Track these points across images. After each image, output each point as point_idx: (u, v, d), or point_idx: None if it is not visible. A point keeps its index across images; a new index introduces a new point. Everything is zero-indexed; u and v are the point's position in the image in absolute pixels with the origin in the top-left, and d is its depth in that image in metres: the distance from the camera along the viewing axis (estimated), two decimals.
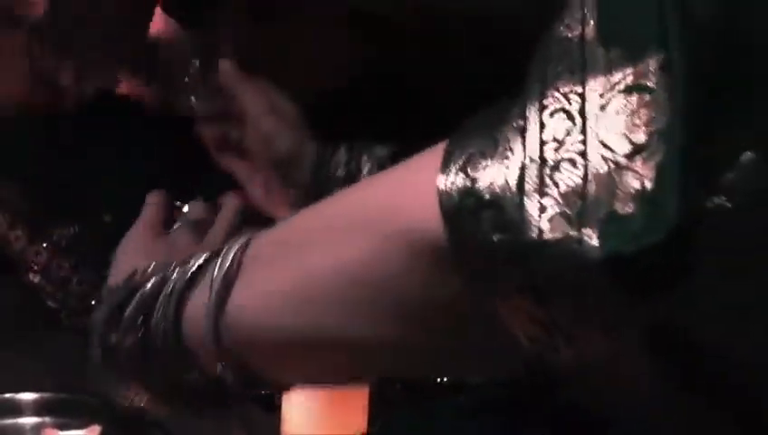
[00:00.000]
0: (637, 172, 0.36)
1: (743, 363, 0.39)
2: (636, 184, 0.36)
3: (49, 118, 1.03)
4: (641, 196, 0.36)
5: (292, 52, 0.86)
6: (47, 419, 0.84)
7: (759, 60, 0.38)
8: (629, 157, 0.37)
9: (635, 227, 0.36)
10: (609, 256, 0.36)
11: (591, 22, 0.39)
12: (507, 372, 0.50)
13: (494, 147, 0.40)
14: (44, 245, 1.03)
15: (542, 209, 0.38)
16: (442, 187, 0.40)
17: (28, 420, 0.85)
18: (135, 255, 0.67)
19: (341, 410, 0.82)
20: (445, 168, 0.41)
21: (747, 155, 0.37)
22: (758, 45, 0.38)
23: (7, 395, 0.86)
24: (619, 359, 0.40)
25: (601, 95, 0.38)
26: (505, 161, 0.39)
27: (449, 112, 0.78)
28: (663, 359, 0.40)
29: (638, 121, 0.37)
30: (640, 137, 0.37)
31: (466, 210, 0.39)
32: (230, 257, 0.51)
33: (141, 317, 0.54)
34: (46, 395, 0.86)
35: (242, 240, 0.52)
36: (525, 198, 0.38)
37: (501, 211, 0.38)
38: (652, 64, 0.37)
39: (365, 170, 0.77)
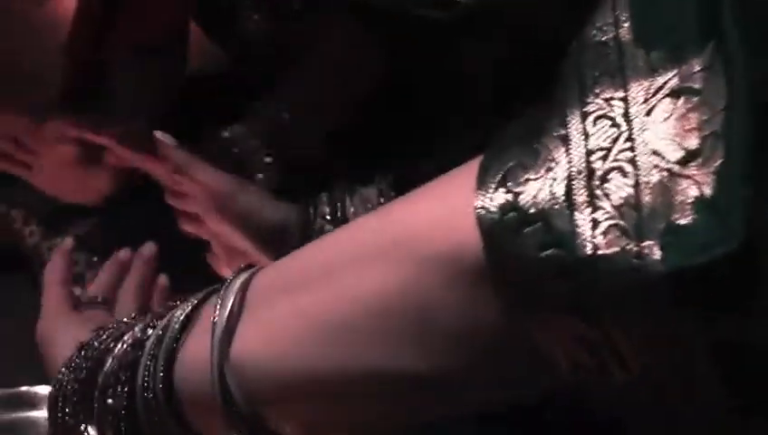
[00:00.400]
0: (693, 179, 0.34)
1: None
2: (694, 192, 0.33)
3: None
4: (701, 204, 0.33)
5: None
6: None
7: None
8: (683, 163, 0.34)
9: (699, 239, 0.33)
10: (673, 270, 0.33)
11: (626, 24, 0.37)
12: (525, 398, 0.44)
13: (535, 159, 0.37)
14: (59, 240, 1.03)
15: (595, 223, 0.35)
16: (479, 204, 0.37)
17: (44, 414, 0.86)
18: (63, 336, 0.60)
19: None
20: (481, 184, 0.37)
21: None
22: None
23: (23, 388, 0.86)
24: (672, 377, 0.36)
25: (645, 100, 0.36)
26: (550, 173, 0.36)
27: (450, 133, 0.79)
28: (723, 375, 0.36)
29: (688, 126, 0.34)
30: (692, 142, 0.34)
31: (509, 227, 0.36)
32: (231, 298, 0.44)
33: (120, 387, 0.46)
34: None
35: (241, 278, 0.45)
36: (576, 212, 0.35)
37: (548, 226, 0.35)
38: (697, 65, 0.35)
39: (351, 214, 0.75)
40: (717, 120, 0.34)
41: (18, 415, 0.85)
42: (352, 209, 0.76)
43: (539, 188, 0.36)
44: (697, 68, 0.35)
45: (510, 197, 0.36)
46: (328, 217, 0.76)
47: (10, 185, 1.06)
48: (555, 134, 0.37)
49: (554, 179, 0.36)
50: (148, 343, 0.47)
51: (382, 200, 0.75)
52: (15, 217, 1.06)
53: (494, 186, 0.37)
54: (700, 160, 0.34)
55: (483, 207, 0.37)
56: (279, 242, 0.76)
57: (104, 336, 0.50)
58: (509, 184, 0.37)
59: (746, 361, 0.35)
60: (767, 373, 0.35)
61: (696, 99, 0.35)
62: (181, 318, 0.46)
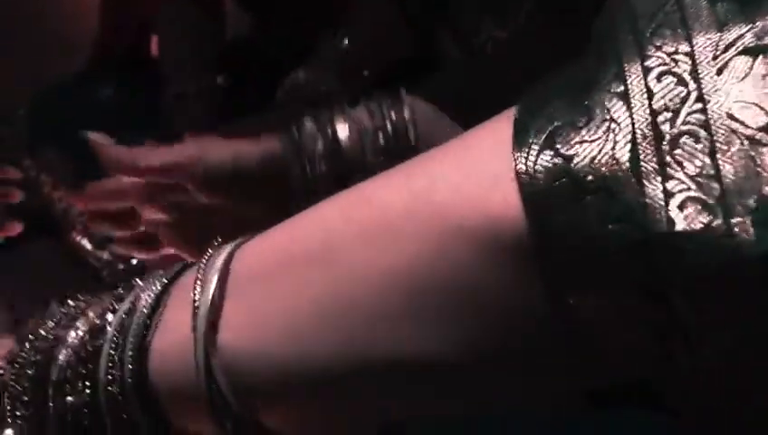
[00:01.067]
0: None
1: None
2: None
3: (91, 83, 1.05)
4: None
5: None
6: None
7: None
8: (767, 130, 0.29)
9: None
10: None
11: None
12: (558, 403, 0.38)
13: (587, 117, 0.31)
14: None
15: (668, 194, 0.30)
16: (522, 168, 0.31)
17: None
18: None
19: None
20: (521, 144, 0.32)
21: None
22: None
23: None
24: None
25: (715, 57, 0.30)
26: (610, 135, 0.31)
27: None
28: None
29: (766, 88, 0.29)
30: None
31: (561, 196, 0.30)
32: (214, 276, 0.38)
33: (79, 382, 0.39)
34: None
35: (224, 252, 0.39)
36: (645, 181, 0.30)
37: (612, 196, 0.30)
38: None
39: (343, 135, 0.68)
40: None
41: None
42: (346, 133, 0.69)
43: (598, 152, 0.31)
44: (759, 29, 0.30)
45: (559, 160, 0.31)
46: (319, 140, 0.69)
47: (40, 150, 1.08)
48: (612, 90, 0.31)
49: (615, 142, 0.31)
50: (110, 330, 0.39)
51: (372, 121, 0.70)
52: (45, 182, 1.08)
53: (537, 147, 0.31)
54: None
55: (526, 173, 0.31)
56: (272, 182, 0.68)
57: (50, 324, 0.41)
58: (558, 146, 0.31)
59: None
60: None
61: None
62: (149, 301, 0.39)
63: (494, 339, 0.33)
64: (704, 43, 0.31)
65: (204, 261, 0.39)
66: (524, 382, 0.35)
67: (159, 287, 0.39)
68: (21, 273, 1.06)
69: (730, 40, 0.31)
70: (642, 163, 0.30)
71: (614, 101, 0.31)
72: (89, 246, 1.04)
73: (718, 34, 0.31)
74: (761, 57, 0.30)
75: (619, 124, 0.31)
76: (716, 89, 0.30)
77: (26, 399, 0.40)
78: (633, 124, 0.31)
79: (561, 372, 0.34)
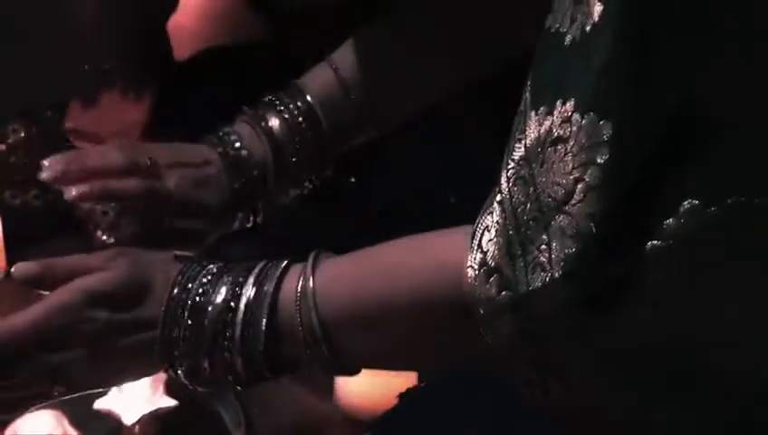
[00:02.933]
0: (573, 217, 0.43)
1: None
2: (573, 226, 0.43)
3: None
4: (579, 236, 0.43)
5: None
6: None
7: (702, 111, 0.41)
8: (565, 204, 0.43)
9: (584, 261, 0.43)
10: (573, 293, 0.43)
11: (527, 93, 0.47)
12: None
13: (490, 221, 0.48)
14: (112, 204, 1.06)
15: (527, 265, 0.45)
16: (468, 263, 0.50)
17: None
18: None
19: None
20: (469, 247, 0.50)
21: (690, 202, 0.40)
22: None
23: None
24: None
25: (538, 153, 0.44)
26: (495, 233, 0.47)
27: None
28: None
29: (565, 170, 0.43)
30: (568, 183, 0.42)
31: (481, 282, 0.48)
32: (310, 269, 0.57)
33: (227, 332, 0.58)
34: None
35: (313, 258, 0.59)
36: (515, 260, 0.46)
37: (501, 274, 0.47)
38: (560, 117, 0.43)
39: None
40: (585, 169, 0.42)
41: None
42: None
43: (495, 245, 0.47)
44: (561, 120, 0.43)
45: (481, 255, 0.48)
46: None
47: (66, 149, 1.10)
48: (496, 199, 0.48)
49: (499, 238, 0.47)
50: (242, 306, 0.58)
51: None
52: None
53: (474, 247, 0.49)
54: (574, 198, 0.42)
55: (470, 266, 0.49)
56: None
57: (193, 287, 0.59)
58: (482, 244, 0.49)
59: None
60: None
61: (567, 146, 0.42)
62: (270, 290, 0.58)
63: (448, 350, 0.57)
64: (533, 145, 0.45)
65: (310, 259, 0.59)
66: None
67: (280, 269, 0.59)
68: None
69: (543, 134, 0.44)
70: (512, 249, 0.46)
71: (495, 207, 0.48)
72: (114, 244, 1.05)
73: (538, 131, 0.45)
74: (559, 145, 0.43)
75: (499, 223, 0.48)
76: (542, 178, 0.44)
77: (185, 342, 0.58)
78: (505, 222, 0.47)
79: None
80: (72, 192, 0.75)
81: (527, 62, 0.48)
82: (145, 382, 0.82)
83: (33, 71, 1.03)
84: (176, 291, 0.59)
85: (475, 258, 0.49)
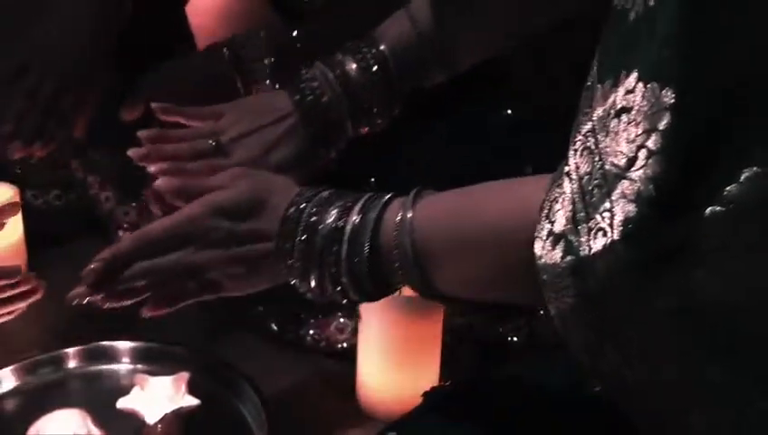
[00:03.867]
0: (635, 181, 0.44)
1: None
2: (635, 190, 0.44)
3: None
4: (640, 199, 0.44)
5: None
6: (140, 365, 0.89)
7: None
8: (627, 169, 0.45)
9: (642, 225, 0.44)
10: (632, 256, 0.45)
11: (595, 67, 0.49)
12: None
13: (559, 193, 0.50)
14: (133, 204, 1.07)
15: (590, 230, 0.47)
16: (536, 237, 0.52)
17: (123, 366, 0.90)
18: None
19: (414, 361, 0.85)
20: (538, 220, 0.53)
21: (751, 170, 0.42)
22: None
23: (106, 343, 0.91)
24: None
25: (604, 123, 0.47)
26: (562, 203, 0.50)
27: None
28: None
29: (629, 138, 0.45)
30: (632, 151, 0.45)
31: (548, 250, 0.50)
32: (410, 212, 0.63)
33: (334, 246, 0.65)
34: (139, 344, 0.91)
35: (410, 199, 0.64)
36: (579, 226, 0.48)
37: (567, 241, 0.49)
38: (625, 89, 0.45)
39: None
40: (647, 136, 0.44)
41: (98, 368, 0.90)
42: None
43: (562, 214, 0.49)
44: (625, 91, 0.45)
45: (549, 225, 0.51)
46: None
47: (85, 151, 1.10)
48: (564, 172, 0.50)
49: (565, 206, 0.49)
50: (348, 228, 0.65)
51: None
52: (92, 183, 1.10)
53: (543, 219, 0.52)
54: (637, 165, 0.44)
55: (537, 238, 0.52)
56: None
57: (307, 208, 0.67)
58: (550, 216, 0.51)
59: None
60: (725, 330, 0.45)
61: (631, 114, 0.45)
62: (374, 216, 0.64)
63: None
64: (599, 116, 0.47)
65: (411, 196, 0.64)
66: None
67: (383, 201, 0.65)
68: (68, 272, 1.07)
69: (609, 106, 0.46)
70: (577, 215, 0.48)
71: (564, 178, 0.50)
72: None
73: (604, 106, 0.47)
74: (623, 115, 0.46)
75: (565, 193, 0.50)
76: (607, 147, 0.46)
77: (299, 252, 0.67)
78: (571, 191, 0.49)
79: None
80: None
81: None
82: (167, 381, 0.82)
83: None
84: (292, 210, 0.67)
85: (542, 229, 0.51)
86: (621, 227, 0.45)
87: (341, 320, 0.94)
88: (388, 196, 0.66)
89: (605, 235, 0.46)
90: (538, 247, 0.51)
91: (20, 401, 0.86)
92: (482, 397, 0.69)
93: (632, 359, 0.48)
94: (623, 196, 0.45)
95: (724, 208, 0.43)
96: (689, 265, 0.44)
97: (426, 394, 0.71)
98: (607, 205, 0.46)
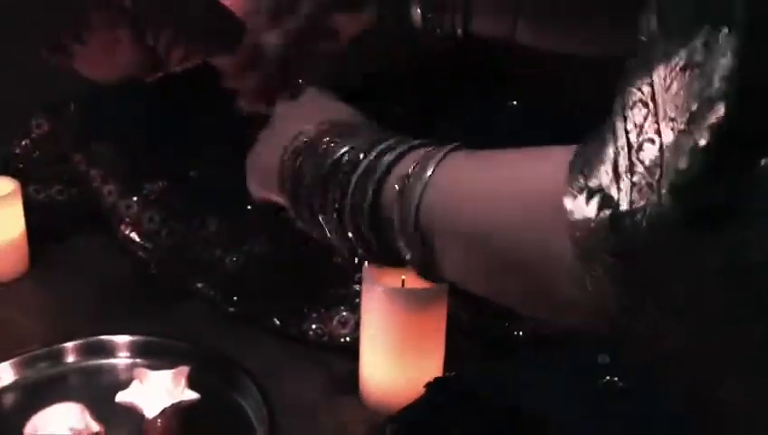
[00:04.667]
0: (692, 133, 0.43)
1: None
2: (690, 142, 0.43)
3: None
4: (696, 152, 0.43)
5: None
6: (139, 359, 0.88)
7: None
8: (689, 123, 0.43)
9: (695, 182, 0.43)
10: (681, 214, 0.43)
11: (653, 19, 0.47)
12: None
13: (600, 146, 0.48)
14: (135, 199, 1.06)
15: (633, 185, 0.45)
16: (567, 193, 0.49)
17: (122, 361, 0.89)
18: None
19: (417, 355, 0.84)
20: (570, 177, 0.49)
21: None
22: None
23: (104, 337, 0.90)
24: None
25: (665, 79, 0.45)
26: (604, 156, 0.47)
27: None
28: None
29: (692, 93, 0.43)
30: (694, 105, 0.43)
31: (581, 205, 0.48)
32: (432, 168, 0.59)
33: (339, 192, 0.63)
34: (139, 338, 0.90)
35: (440, 154, 0.60)
36: (620, 179, 0.46)
37: (604, 194, 0.46)
38: (699, 41, 0.44)
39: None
40: (715, 86, 0.43)
41: (97, 362, 0.89)
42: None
43: (599, 168, 0.47)
44: (699, 43, 0.44)
45: (582, 181, 0.48)
46: None
47: (87, 145, 1.10)
48: (607, 126, 0.48)
49: (606, 158, 0.47)
50: (360, 169, 0.62)
51: None
52: (94, 176, 1.09)
53: (575, 175, 0.48)
54: (699, 118, 0.43)
55: (568, 193, 0.48)
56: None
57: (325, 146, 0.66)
58: (585, 171, 0.48)
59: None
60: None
61: (698, 70, 0.43)
62: (389, 160, 0.62)
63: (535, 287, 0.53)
64: (659, 71, 0.45)
65: (434, 152, 0.60)
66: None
67: (397, 153, 0.62)
68: (71, 265, 1.07)
69: (674, 64, 0.45)
70: (619, 167, 0.46)
71: (609, 131, 0.47)
72: (137, 238, 1.05)
73: (668, 62, 0.45)
74: (688, 70, 0.44)
75: (607, 144, 0.47)
76: (665, 102, 0.45)
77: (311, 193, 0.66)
78: (615, 142, 0.47)
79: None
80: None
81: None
82: (167, 375, 0.81)
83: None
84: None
85: (575, 183, 0.49)
86: (671, 180, 0.43)
87: (344, 314, 0.93)
88: (418, 142, 0.63)
89: (651, 189, 0.44)
90: (569, 202, 0.48)
91: (18, 395, 0.85)
92: (484, 389, 0.68)
93: (675, 317, 0.46)
94: (675, 147, 0.43)
95: None
96: (739, 223, 0.43)
97: (428, 386, 0.70)
98: (656, 159, 0.44)
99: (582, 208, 0.47)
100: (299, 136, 0.68)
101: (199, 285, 1.00)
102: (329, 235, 0.66)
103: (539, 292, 0.53)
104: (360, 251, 0.64)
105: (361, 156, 0.63)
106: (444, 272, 0.60)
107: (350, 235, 0.64)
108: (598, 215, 0.46)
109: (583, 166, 0.48)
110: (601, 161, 0.47)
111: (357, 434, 0.82)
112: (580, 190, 0.48)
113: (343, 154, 0.64)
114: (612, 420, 0.65)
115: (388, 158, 0.62)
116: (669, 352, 0.48)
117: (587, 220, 0.47)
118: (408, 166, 0.60)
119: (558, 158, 0.51)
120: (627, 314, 0.48)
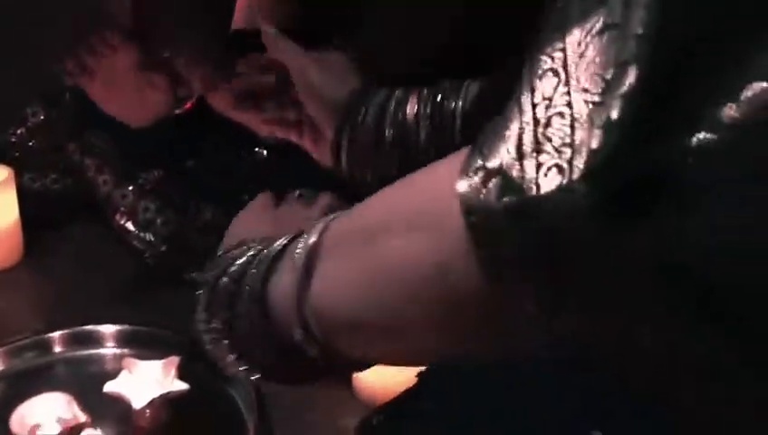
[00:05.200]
0: (606, 105, 0.37)
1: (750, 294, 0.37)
2: (603, 116, 0.37)
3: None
4: (610, 125, 0.36)
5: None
6: (127, 350, 0.87)
7: None
8: (603, 94, 0.37)
9: (611, 161, 0.36)
10: (595, 201, 0.37)
11: None
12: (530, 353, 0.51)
13: (502, 122, 0.41)
14: (130, 188, 1.05)
15: (539, 166, 0.38)
16: (463, 176, 0.41)
17: (109, 351, 0.88)
18: (245, 224, 0.68)
19: None
20: (469, 156, 0.42)
21: (753, 86, 0.35)
22: None
23: (89, 327, 0.89)
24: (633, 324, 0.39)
25: (579, 44, 0.39)
26: (507, 132, 0.40)
27: None
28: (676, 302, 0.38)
29: (608, 58, 0.38)
30: (609, 72, 0.37)
31: (477, 186, 0.40)
32: (311, 242, 0.51)
33: (230, 294, 0.56)
34: (127, 327, 0.89)
35: (321, 225, 0.52)
36: (524, 160, 0.39)
37: (505, 176, 0.39)
38: (618, 2, 0.38)
39: (424, 111, 0.75)
40: (630, 47, 0.37)
41: (84, 352, 0.88)
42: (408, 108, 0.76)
43: (499, 147, 0.40)
44: (618, 4, 0.38)
45: (480, 160, 0.41)
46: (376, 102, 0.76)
47: (83, 134, 1.09)
48: (513, 99, 0.41)
49: (509, 136, 0.40)
50: (251, 268, 0.55)
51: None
52: (89, 165, 1.08)
53: (473, 154, 0.41)
54: (613, 87, 0.37)
55: (462, 174, 0.41)
56: (342, 116, 0.77)
57: (233, 253, 0.58)
58: (484, 150, 0.41)
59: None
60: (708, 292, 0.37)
61: (615, 32, 0.37)
62: (273, 253, 0.54)
63: (466, 317, 0.44)
64: (573, 36, 0.39)
65: (310, 231, 0.52)
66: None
67: (286, 240, 0.53)
68: (66, 255, 1.07)
69: (589, 27, 0.38)
70: (524, 146, 0.39)
71: (512, 105, 0.40)
72: (132, 228, 1.04)
73: (583, 25, 0.39)
74: (606, 33, 0.38)
75: (511, 121, 0.40)
76: (578, 70, 0.38)
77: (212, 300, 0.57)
78: (520, 118, 0.40)
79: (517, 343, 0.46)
80: None
81: None
82: (156, 366, 0.80)
83: (54, 53, 1.02)
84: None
85: (471, 164, 0.41)
86: (586, 160, 0.37)
87: None
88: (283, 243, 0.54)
89: (561, 171, 0.37)
90: (463, 185, 0.41)
91: (4, 385, 0.85)
92: (476, 377, 0.66)
93: (600, 320, 0.40)
94: (590, 122, 0.37)
95: (715, 135, 0.35)
96: (669, 206, 0.36)
97: (419, 375, 0.68)
98: (567, 136, 0.38)
99: (478, 192, 0.40)
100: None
101: (194, 274, 0.99)
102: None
103: (445, 316, 0.46)
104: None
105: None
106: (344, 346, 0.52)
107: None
108: (499, 200, 0.39)
109: (482, 145, 0.41)
110: (503, 138, 0.40)
111: (348, 426, 0.80)
112: (476, 171, 0.41)
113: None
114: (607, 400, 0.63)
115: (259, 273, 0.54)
116: (602, 356, 0.42)
117: (487, 206, 0.40)
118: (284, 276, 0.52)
119: (454, 159, 0.43)
120: (545, 310, 0.40)
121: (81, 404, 0.79)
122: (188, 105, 1.02)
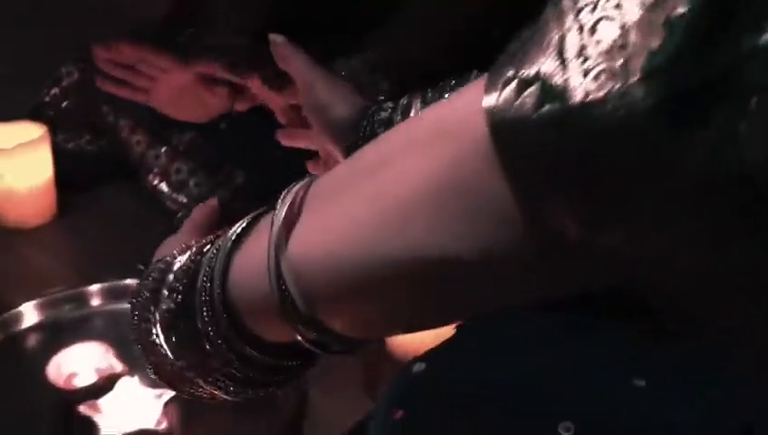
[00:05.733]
0: (667, 2, 0.33)
1: None
2: (664, 14, 0.33)
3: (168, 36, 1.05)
4: (669, 24, 0.33)
5: None
6: None
7: None
8: None
9: (667, 60, 0.33)
10: (654, 105, 0.33)
11: None
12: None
13: (539, 33, 0.37)
14: (163, 149, 1.05)
15: (586, 72, 0.34)
16: (491, 88, 0.37)
17: None
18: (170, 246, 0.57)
19: None
20: (493, 73, 0.38)
21: None
22: None
23: (127, 281, 0.90)
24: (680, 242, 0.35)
25: None
26: (544, 39, 0.36)
27: None
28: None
29: None
30: None
31: (510, 97, 0.36)
32: (289, 200, 0.44)
33: (181, 287, 0.48)
34: None
35: (299, 184, 0.46)
36: (568, 66, 0.35)
37: (544, 84, 0.35)
38: None
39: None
40: None
41: (121, 305, 0.88)
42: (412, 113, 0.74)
43: (535, 54, 0.36)
44: None
45: (512, 71, 0.36)
46: (383, 116, 0.75)
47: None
48: (553, 11, 0.37)
49: (548, 43, 0.36)
50: (207, 256, 0.48)
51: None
52: (123, 127, 1.08)
53: (503, 65, 0.37)
54: None
55: (487, 92, 0.37)
56: (349, 135, 0.76)
57: (175, 252, 0.51)
58: (515, 61, 0.37)
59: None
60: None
61: None
62: (237, 230, 0.47)
63: (489, 238, 0.39)
64: None
65: (285, 191, 0.45)
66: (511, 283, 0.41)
67: (248, 220, 0.47)
68: (99, 216, 1.07)
69: None
70: (566, 51, 0.35)
71: (551, 12, 0.36)
72: (166, 188, 1.05)
73: None
74: None
75: (550, 27, 0.36)
76: None
77: (144, 305, 0.52)
78: (561, 26, 0.36)
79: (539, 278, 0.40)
80: None
81: None
82: None
83: (89, 11, 1.02)
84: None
85: (500, 75, 0.37)
86: (642, 63, 0.33)
87: None
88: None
89: (613, 76, 0.34)
90: (490, 99, 0.37)
91: (42, 335, 0.85)
92: (518, 326, 0.65)
93: (645, 235, 0.36)
94: (647, 23, 0.33)
95: None
96: (729, 115, 0.32)
97: (458, 327, 0.68)
98: (619, 38, 0.34)
99: (510, 104, 0.36)
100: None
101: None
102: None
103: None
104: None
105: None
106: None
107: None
108: (537, 110, 0.35)
109: (512, 57, 0.37)
110: (539, 46, 0.36)
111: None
112: (508, 81, 0.37)
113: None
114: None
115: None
116: (644, 274, 0.38)
117: (522, 119, 0.36)
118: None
119: (476, 85, 0.39)
120: (585, 225, 0.36)
121: (118, 354, 0.79)
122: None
